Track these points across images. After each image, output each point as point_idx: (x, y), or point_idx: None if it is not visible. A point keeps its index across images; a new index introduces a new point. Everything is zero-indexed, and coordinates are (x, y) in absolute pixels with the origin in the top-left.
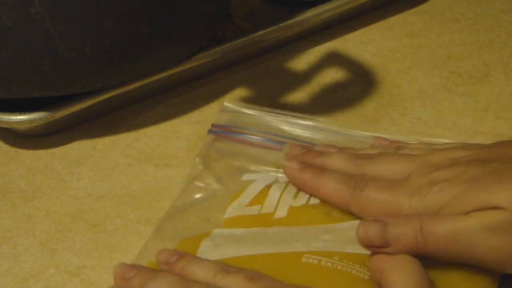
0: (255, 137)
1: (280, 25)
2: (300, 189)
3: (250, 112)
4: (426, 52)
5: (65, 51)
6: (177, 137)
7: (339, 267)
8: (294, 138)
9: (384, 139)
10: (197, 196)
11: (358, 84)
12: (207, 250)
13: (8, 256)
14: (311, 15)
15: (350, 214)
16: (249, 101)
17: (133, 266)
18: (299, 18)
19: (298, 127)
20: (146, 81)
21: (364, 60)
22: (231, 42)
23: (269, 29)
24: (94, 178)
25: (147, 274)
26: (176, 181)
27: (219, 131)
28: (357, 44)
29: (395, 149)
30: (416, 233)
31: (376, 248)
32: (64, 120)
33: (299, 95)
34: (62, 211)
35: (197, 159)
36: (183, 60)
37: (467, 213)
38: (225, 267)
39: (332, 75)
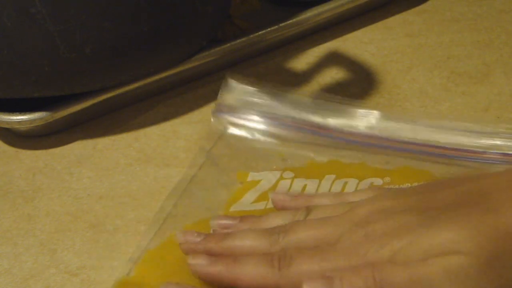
0: (258, 117)
1: (280, 25)
2: (218, 284)
3: (254, 89)
4: (426, 52)
5: (65, 51)
6: (177, 137)
7: None
8: (294, 116)
9: (284, 195)
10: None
11: (358, 84)
12: None
13: (8, 256)
14: (311, 15)
15: None
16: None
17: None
18: (299, 18)
19: (300, 105)
20: (146, 81)
21: (364, 60)
22: (231, 42)
23: (269, 29)
24: (94, 178)
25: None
26: (176, 181)
27: (224, 112)
28: (357, 44)
29: (306, 214)
30: (367, 284)
31: None
32: (64, 120)
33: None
34: (62, 211)
35: (205, 155)
36: (183, 60)
37: (423, 260)
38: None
39: (332, 75)
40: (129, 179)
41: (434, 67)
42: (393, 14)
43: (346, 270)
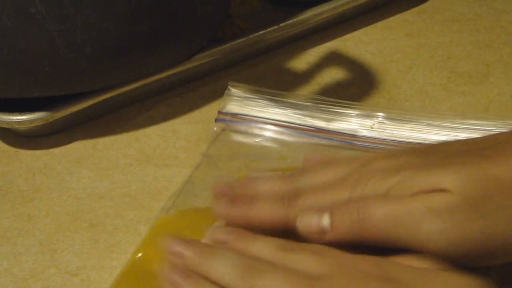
0: (261, 125)
1: (280, 25)
2: (237, 226)
3: (255, 96)
4: (426, 52)
5: (65, 51)
6: (177, 137)
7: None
8: (294, 122)
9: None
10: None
11: (358, 84)
12: None
13: (8, 256)
14: (311, 15)
15: None
16: None
17: (188, 242)
18: (299, 18)
19: (301, 110)
20: (146, 81)
21: (364, 60)
22: (231, 42)
23: (269, 29)
24: (94, 178)
25: (206, 251)
26: (176, 181)
27: (227, 119)
28: (357, 44)
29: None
30: (351, 218)
31: (316, 238)
32: (64, 120)
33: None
34: (62, 211)
35: (204, 158)
36: (183, 60)
37: (412, 196)
38: (286, 244)
39: (332, 75)
40: (129, 179)
41: (434, 67)
42: (393, 14)
43: (342, 204)
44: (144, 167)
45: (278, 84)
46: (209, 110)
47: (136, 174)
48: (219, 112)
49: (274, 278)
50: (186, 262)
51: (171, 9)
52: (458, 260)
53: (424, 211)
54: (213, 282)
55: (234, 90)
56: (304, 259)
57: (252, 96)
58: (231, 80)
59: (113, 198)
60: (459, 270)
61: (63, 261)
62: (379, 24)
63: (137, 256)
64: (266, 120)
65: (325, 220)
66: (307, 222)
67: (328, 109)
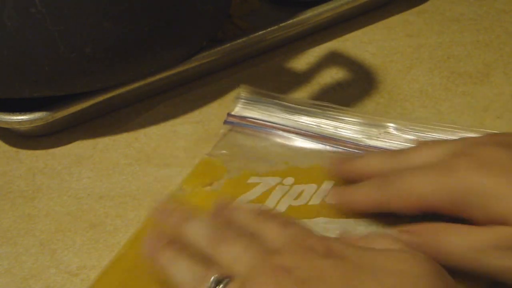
0: (269, 130)
1: (280, 25)
2: (343, 211)
3: (265, 101)
4: (426, 52)
5: (65, 51)
6: (177, 137)
7: None
8: (301, 128)
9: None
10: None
11: (358, 84)
12: None
13: (8, 256)
14: (311, 15)
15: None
16: None
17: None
18: (299, 18)
19: (308, 116)
20: (146, 81)
21: (364, 60)
22: (231, 42)
23: (269, 29)
24: (94, 178)
25: (187, 217)
26: (176, 181)
27: (235, 122)
28: (357, 44)
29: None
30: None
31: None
32: (64, 120)
33: (299, 95)
34: (62, 211)
35: (206, 157)
36: (183, 60)
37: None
38: (261, 212)
39: (332, 75)
40: (129, 179)
41: (434, 67)
42: (393, 14)
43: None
44: (144, 167)
45: (278, 84)
46: (209, 110)
47: (136, 174)
48: (228, 114)
49: (235, 246)
50: (168, 221)
51: (171, 9)
52: None
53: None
54: (189, 245)
55: (244, 93)
56: (270, 230)
57: (262, 100)
58: (233, 81)
59: (113, 198)
60: (421, 254)
61: (63, 261)
62: (379, 24)
63: (122, 252)
64: (274, 125)
65: None
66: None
67: (337, 117)
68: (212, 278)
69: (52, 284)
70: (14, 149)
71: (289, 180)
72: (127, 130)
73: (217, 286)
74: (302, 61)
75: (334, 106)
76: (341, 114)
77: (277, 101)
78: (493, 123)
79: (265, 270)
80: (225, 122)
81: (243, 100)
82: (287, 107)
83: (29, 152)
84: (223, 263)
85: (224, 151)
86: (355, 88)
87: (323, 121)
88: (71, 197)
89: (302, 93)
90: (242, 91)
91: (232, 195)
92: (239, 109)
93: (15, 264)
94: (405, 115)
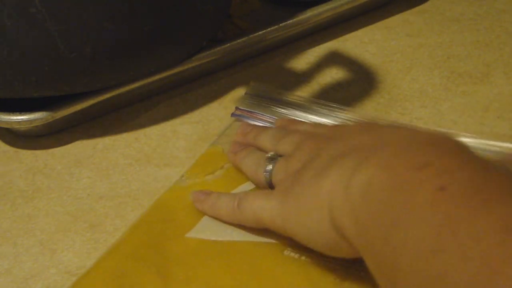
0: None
1: (280, 25)
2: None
3: (274, 97)
4: (426, 52)
5: (65, 51)
6: (177, 137)
7: (322, 262)
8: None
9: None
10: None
11: (358, 84)
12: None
13: (8, 256)
14: (311, 15)
15: None
16: None
17: (250, 125)
18: (299, 18)
19: (320, 114)
20: (146, 81)
21: (364, 60)
22: (231, 42)
23: (269, 29)
24: (94, 178)
25: (258, 129)
26: (176, 181)
27: (242, 115)
28: (357, 44)
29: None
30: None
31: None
32: (64, 120)
33: (299, 95)
34: (62, 211)
35: (210, 147)
36: (183, 60)
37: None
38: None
39: (332, 75)
40: (129, 179)
41: (434, 67)
42: (393, 14)
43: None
44: (144, 167)
45: (278, 84)
46: (209, 110)
47: (136, 174)
48: (237, 108)
49: (285, 143)
50: (248, 138)
51: (171, 9)
52: None
53: None
54: (260, 149)
55: (255, 88)
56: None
57: (272, 97)
58: (233, 81)
59: (113, 198)
60: None
61: (63, 261)
62: (379, 24)
63: (122, 238)
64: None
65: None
66: None
67: (343, 117)
68: (266, 156)
69: (52, 284)
70: (14, 149)
71: None
72: (127, 130)
73: (269, 163)
74: (302, 61)
75: (336, 105)
76: (341, 114)
77: (286, 98)
78: (493, 123)
79: (303, 148)
80: (232, 114)
81: (252, 95)
82: (292, 104)
83: (29, 152)
84: (279, 151)
85: (229, 139)
86: (355, 88)
87: (326, 120)
88: (71, 197)
89: (302, 93)
90: (253, 85)
91: (232, 183)
92: (248, 103)
93: (15, 264)
94: (405, 115)
